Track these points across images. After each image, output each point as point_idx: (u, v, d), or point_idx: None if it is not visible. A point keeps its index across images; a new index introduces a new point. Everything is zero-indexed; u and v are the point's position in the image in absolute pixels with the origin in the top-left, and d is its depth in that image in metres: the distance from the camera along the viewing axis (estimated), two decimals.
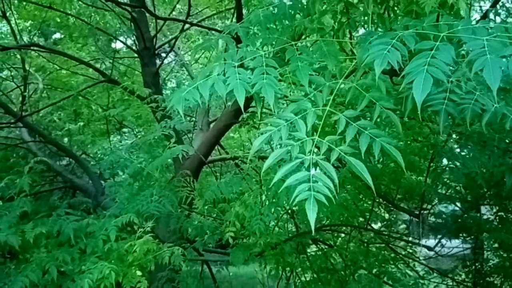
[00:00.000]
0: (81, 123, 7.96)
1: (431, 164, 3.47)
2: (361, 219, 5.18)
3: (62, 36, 7.78)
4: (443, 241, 6.07)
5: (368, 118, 1.58)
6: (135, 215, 3.26)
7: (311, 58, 1.67)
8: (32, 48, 5.46)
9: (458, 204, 4.60)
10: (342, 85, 1.65)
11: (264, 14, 1.92)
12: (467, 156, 2.69)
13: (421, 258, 6.54)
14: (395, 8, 1.71)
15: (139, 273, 3.29)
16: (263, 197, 3.66)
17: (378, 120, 1.70)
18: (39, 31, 8.28)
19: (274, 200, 3.60)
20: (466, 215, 4.61)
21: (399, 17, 1.69)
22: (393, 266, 6.12)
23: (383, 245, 5.86)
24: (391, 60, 1.25)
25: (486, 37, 1.14)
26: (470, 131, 2.65)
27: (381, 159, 4.39)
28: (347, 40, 1.82)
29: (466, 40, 1.21)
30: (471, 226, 4.71)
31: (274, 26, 1.93)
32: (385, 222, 6.45)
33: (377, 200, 4.72)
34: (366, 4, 1.75)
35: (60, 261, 3.15)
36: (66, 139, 7.34)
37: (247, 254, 4.53)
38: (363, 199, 4.82)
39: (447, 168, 3.36)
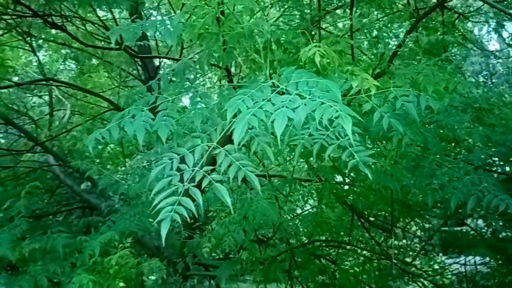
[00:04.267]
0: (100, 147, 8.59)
1: None
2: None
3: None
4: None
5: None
6: (116, 233, 3.67)
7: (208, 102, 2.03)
8: (48, 83, 6.09)
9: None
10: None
11: None
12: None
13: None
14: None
15: (122, 284, 3.68)
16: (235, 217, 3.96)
17: None
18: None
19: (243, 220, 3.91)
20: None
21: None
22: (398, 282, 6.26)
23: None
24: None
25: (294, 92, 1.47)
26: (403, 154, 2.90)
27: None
28: (241, 84, 2.17)
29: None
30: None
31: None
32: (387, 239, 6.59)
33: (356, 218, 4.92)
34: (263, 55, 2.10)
35: (53, 273, 3.59)
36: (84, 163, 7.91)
37: (235, 269, 4.83)
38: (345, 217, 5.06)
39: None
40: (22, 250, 3.56)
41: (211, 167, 1.79)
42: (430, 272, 6.27)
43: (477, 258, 6.07)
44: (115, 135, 1.89)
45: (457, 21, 5.32)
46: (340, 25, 6.04)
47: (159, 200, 1.67)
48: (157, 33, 1.84)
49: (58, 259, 3.79)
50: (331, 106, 1.33)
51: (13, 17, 4.79)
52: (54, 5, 4.46)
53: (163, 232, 1.52)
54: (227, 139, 2.06)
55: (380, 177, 2.86)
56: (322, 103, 1.36)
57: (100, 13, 6.83)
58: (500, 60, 7.33)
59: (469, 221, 5.54)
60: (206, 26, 1.90)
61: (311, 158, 4.20)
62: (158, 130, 1.87)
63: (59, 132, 6.97)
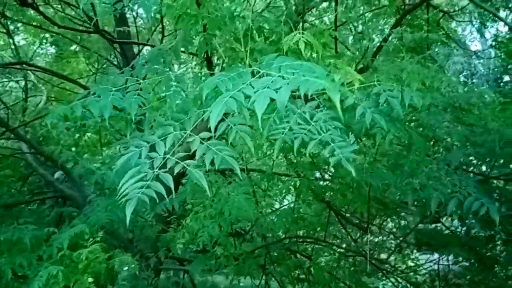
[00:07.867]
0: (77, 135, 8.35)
1: None
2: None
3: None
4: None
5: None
6: (87, 226, 3.52)
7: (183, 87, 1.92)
8: (22, 67, 5.85)
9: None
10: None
11: None
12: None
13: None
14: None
15: (90, 279, 3.54)
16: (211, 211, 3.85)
17: None
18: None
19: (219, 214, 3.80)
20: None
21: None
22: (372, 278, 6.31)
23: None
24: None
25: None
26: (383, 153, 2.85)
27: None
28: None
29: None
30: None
31: None
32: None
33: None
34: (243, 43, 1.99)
35: (19, 266, 3.43)
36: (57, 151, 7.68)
37: (209, 264, 4.74)
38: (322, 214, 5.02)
39: None
40: None
41: (185, 153, 1.70)
42: (404, 269, 6.33)
43: (450, 257, 6.16)
44: (78, 113, 1.78)
45: (442, 19, 5.32)
46: (326, 19, 5.97)
47: (126, 187, 1.58)
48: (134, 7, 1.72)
49: (25, 252, 3.63)
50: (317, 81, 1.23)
51: None
52: None
53: (128, 212, 1.44)
54: (204, 129, 1.96)
55: (360, 174, 2.81)
56: (307, 79, 1.26)
57: None
58: (482, 61, 7.42)
59: (444, 219, 5.59)
60: (186, 8, 1.79)
61: (291, 153, 4.13)
62: (127, 107, 1.76)
63: (33, 118, 6.71)
